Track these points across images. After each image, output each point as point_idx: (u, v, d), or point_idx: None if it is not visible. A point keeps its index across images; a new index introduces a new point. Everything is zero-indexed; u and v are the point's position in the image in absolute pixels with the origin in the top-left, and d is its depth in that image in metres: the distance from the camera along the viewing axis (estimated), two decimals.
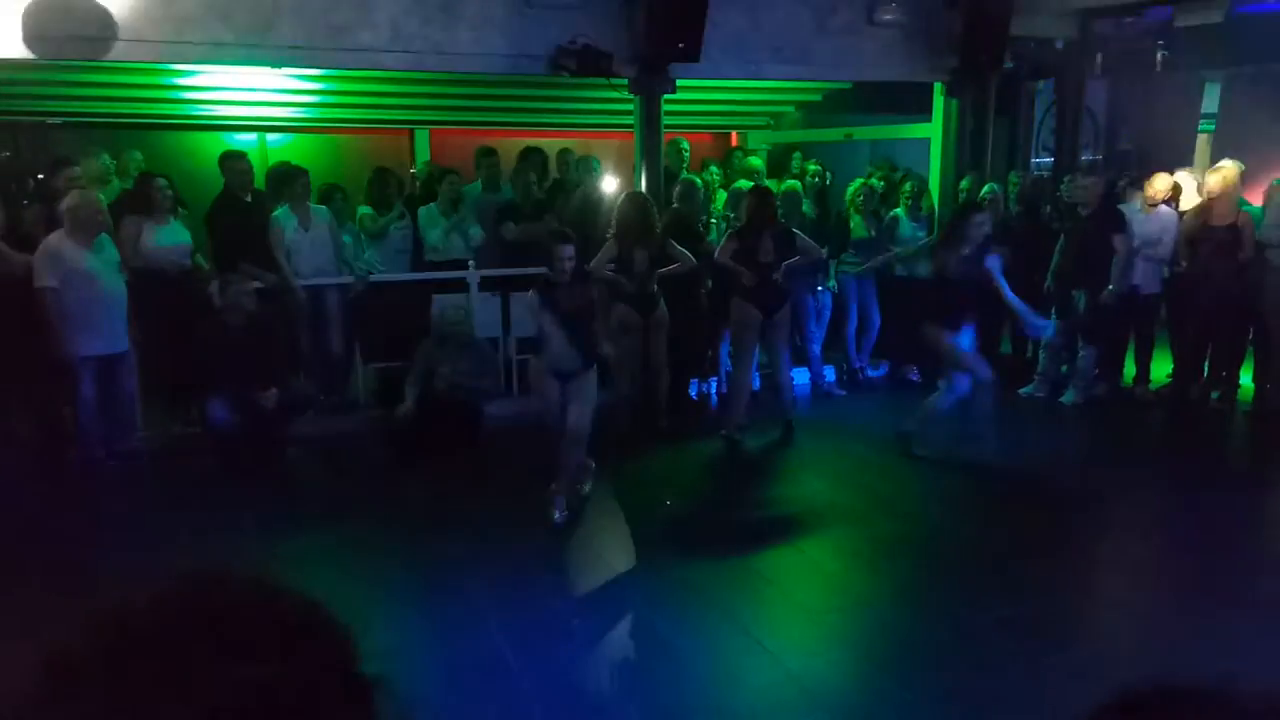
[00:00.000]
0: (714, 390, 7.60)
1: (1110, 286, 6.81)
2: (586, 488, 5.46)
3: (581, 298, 5.23)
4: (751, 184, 7.62)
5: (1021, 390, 7.43)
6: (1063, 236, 7.18)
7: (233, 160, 6.73)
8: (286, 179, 6.73)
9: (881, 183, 8.14)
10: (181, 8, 5.95)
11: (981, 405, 6.01)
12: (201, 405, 5.93)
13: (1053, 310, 7.13)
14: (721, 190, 8.11)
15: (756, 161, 8.60)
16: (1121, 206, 7.21)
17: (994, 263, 5.78)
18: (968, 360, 5.86)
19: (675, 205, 7.13)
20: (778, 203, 6.94)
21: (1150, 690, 0.65)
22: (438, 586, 4.36)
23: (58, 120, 8.14)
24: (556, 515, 5.09)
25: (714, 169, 8.43)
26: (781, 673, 3.63)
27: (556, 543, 4.91)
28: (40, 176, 6.26)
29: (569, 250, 5.16)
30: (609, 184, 7.79)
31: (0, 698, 0.61)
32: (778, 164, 9.07)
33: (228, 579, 0.69)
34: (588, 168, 7.83)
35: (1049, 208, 7.77)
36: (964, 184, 7.91)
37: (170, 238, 6.30)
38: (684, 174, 7.97)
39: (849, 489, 5.66)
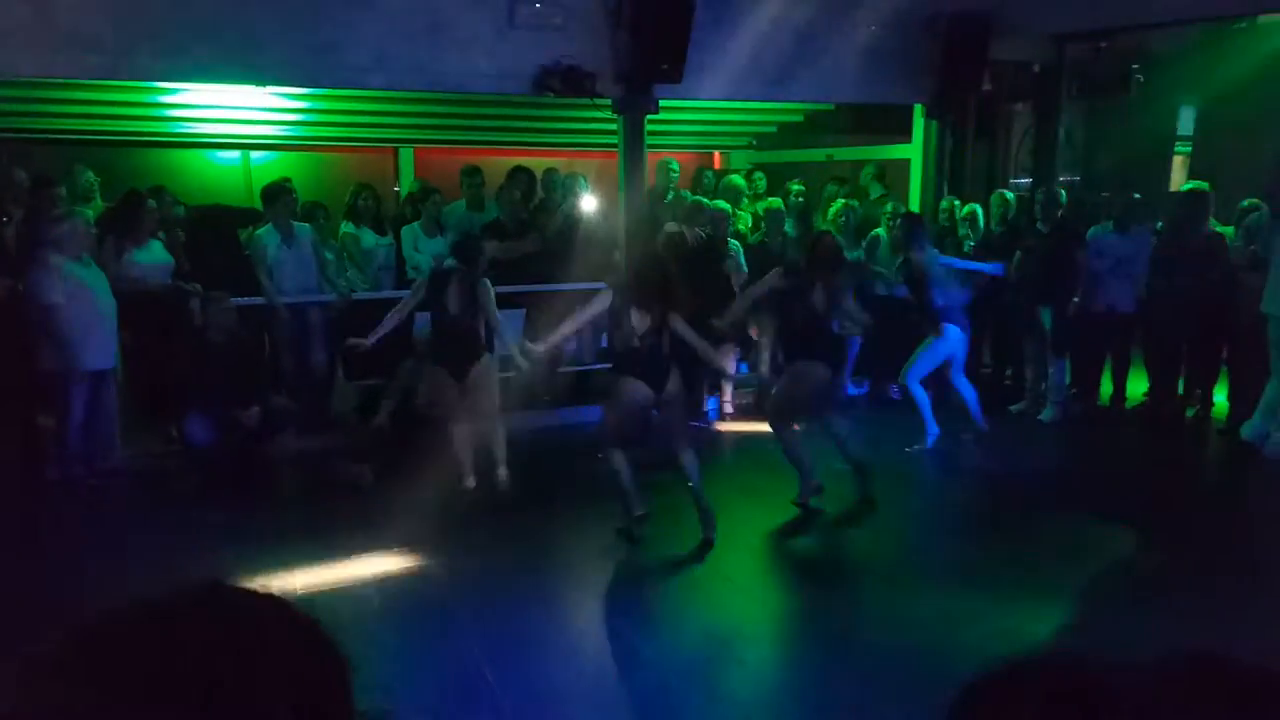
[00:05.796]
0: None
1: (1075, 299, 6.98)
2: (503, 472, 5.73)
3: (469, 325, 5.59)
4: (728, 205, 7.66)
5: (1011, 407, 7.54)
6: (1019, 252, 7.34)
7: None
8: (272, 195, 6.75)
9: (857, 203, 8.20)
10: (167, 25, 5.98)
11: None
12: (182, 423, 5.91)
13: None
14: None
15: (738, 180, 8.63)
16: (1095, 227, 7.35)
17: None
18: None
19: (707, 231, 7.18)
20: (761, 223, 6.97)
21: (1007, 668, 0.65)
22: (416, 599, 4.36)
23: (41, 137, 8.13)
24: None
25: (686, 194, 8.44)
26: (763, 688, 3.65)
27: (535, 555, 4.91)
28: (26, 192, 6.24)
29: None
30: (588, 203, 7.79)
31: None
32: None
33: (233, 596, 0.70)
34: (572, 187, 7.81)
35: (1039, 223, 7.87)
36: (944, 204, 8.01)
37: (150, 258, 6.30)
38: (671, 194, 8.01)
39: (832, 503, 5.67)
